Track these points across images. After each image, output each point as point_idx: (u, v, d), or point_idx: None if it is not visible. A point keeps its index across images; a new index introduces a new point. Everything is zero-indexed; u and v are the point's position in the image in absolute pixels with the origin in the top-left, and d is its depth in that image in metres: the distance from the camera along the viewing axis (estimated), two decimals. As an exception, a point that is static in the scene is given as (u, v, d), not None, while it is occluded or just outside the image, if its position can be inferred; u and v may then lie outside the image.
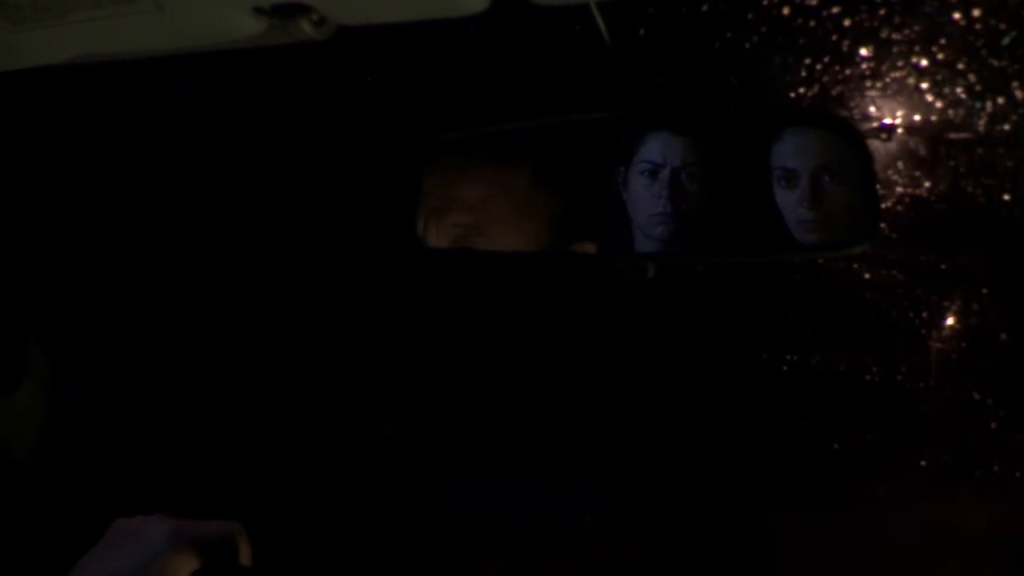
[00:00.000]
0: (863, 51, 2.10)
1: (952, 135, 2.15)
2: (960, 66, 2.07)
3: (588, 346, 2.46)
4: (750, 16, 2.07)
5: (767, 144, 1.02)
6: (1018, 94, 2.07)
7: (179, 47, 0.76)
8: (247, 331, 2.49)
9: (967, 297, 2.37)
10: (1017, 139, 2.14)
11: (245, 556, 0.77)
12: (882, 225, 2.15)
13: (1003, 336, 2.37)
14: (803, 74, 2.12)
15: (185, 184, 2.41)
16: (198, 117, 2.31)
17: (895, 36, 2.06)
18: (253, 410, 2.50)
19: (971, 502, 2.43)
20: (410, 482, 2.52)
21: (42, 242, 2.38)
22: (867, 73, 2.11)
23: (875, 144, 2.16)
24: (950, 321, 2.38)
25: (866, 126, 2.13)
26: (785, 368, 2.46)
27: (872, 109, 2.16)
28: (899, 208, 2.26)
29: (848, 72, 2.12)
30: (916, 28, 2.04)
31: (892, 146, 2.19)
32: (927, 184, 2.23)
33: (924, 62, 2.08)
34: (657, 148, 1.06)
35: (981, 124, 2.12)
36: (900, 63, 2.09)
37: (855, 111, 2.15)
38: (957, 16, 2.01)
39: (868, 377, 2.46)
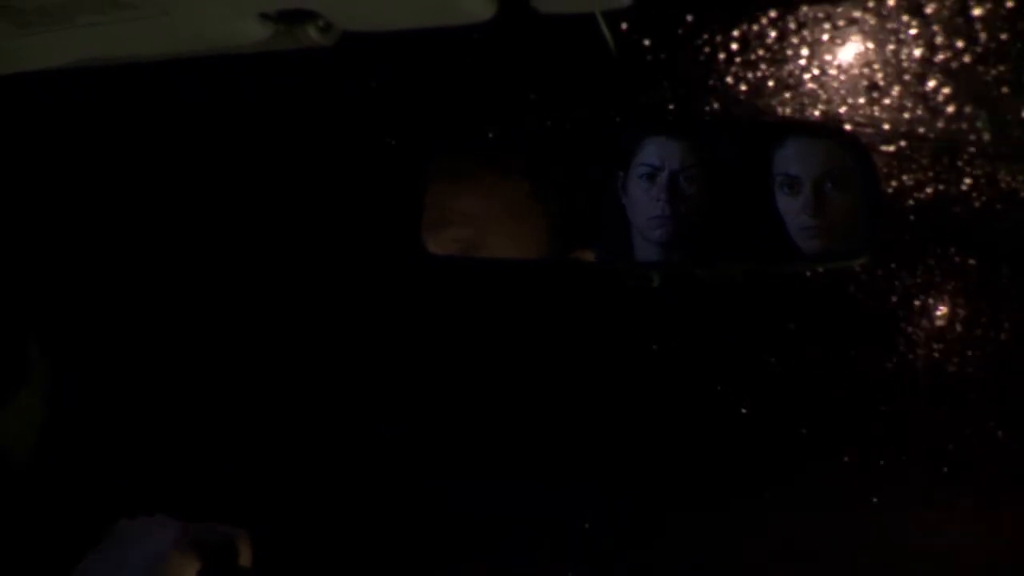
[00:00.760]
0: (864, 61, 2.10)
1: (953, 144, 2.16)
2: (960, 74, 2.07)
3: (588, 347, 2.46)
4: (755, 27, 2.07)
5: (770, 150, 1.03)
6: (1019, 102, 2.07)
7: (184, 52, 0.76)
8: (247, 332, 2.49)
9: (967, 303, 2.37)
10: (1019, 148, 2.14)
11: (246, 559, 0.77)
12: (883, 236, 2.15)
13: (1003, 337, 2.37)
14: (805, 85, 2.12)
15: (186, 185, 2.41)
16: (199, 118, 2.31)
17: (895, 46, 2.07)
18: (253, 410, 2.50)
19: (970, 505, 2.43)
20: (410, 482, 2.52)
21: (42, 243, 2.38)
22: (868, 84, 2.12)
23: (876, 155, 2.16)
24: (950, 325, 2.39)
25: (867, 136, 2.14)
26: (784, 369, 2.47)
27: (873, 119, 2.16)
28: (900, 216, 2.26)
29: (849, 83, 2.13)
30: (917, 36, 2.05)
31: (893, 157, 2.19)
32: (927, 193, 2.24)
33: (924, 72, 2.09)
34: (655, 151, 1.07)
35: (983, 133, 2.13)
36: (901, 73, 2.10)
37: (856, 122, 2.15)
38: (959, 24, 2.01)
39: (867, 377, 2.47)
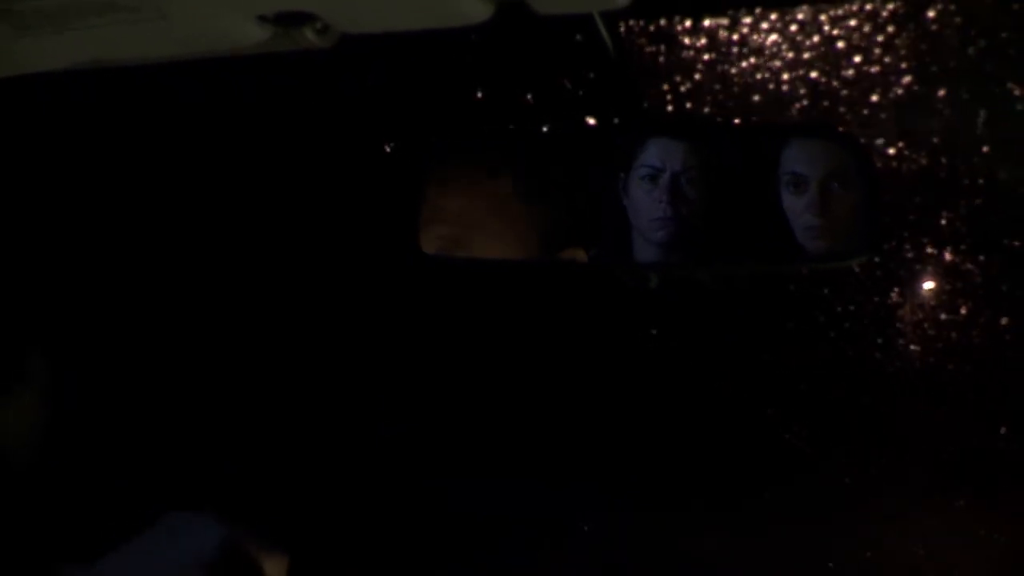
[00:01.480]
0: (862, 61, 2.10)
1: (951, 146, 2.16)
2: (959, 73, 2.07)
3: (587, 346, 2.46)
4: (755, 27, 2.07)
5: (777, 149, 1.03)
6: (1018, 104, 2.07)
7: (182, 54, 0.77)
8: (247, 331, 2.49)
9: (967, 302, 2.37)
10: (1017, 149, 2.15)
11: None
12: (885, 236, 2.15)
13: (1003, 337, 2.37)
14: (806, 87, 2.13)
15: (185, 185, 2.41)
16: (198, 118, 2.31)
17: (894, 48, 2.07)
18: (253, 410, 2.50)
19: (970, 505, 2.43)
20: (410, 482, 2.52)
21: (42, 243, 2.38)
22: (867, 85, 2.12)
23: (875, 156, 2.16)
24: (950, 325, 2.39)
25: (866, 137, 2.14)
26: (784, 369, 2.47)
27: (872, 120, 2.17)
28: (900, 216, 2.27)
29: (848, 84, 2.13)
30: (915, 39, 2.05)
31: (892, 158, 2.19)
32: (926, 193, 2.24)
33: (922, 72, 2.09)
34: (657, 153, 1.07)
35: (981, 134, 2.13)
36: (899, 74, 2.10)
37: (856, 122, 2.16)
38: (957, 25, 2.01)
39: (866, 377, 2.47)
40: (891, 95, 2.12)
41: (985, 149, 2.16)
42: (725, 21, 2.07)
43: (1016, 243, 2.30)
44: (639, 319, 2.41)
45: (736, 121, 2.08)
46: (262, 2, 0.69)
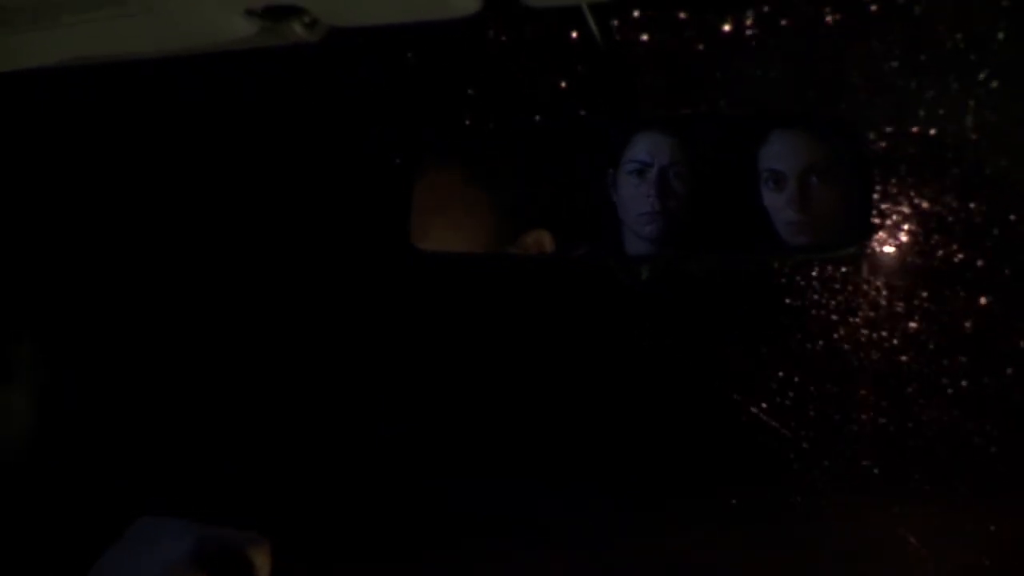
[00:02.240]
0: (854, 54, 2.10)
1: (942, 137, 2.15)
2: (949, 68, 2.07)
3: (586, 345, 2.46)
4: (745, 22, 2.07)
5: (755, 147, 1.02)
6: (1009, 99, 2.07)
7: (170, 49, 0.76)
8: (247, 331, 2.50)
9: (966, 302, 2.36)
10: (1008, 142, 2.14)
11: (263, 570, 0.77)
12: (873, 226, 2.15)
13: (1003, 337, 2.37)
14: (794, 77, 2.12)
15: (183, 183, 2.42)
16: (196, 116, 2.32)
17: (885, 39, 2.06)
18: (253, 410, 2.51)
19: (969, 505, 2.42)
20: (410, 482, 2.52)
21: (41, 241, 2.39)
22: (861, 81, 2.11)
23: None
24: (949, 324, 2.38)
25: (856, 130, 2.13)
26: (779, 366, 2.46)
27: (864, 115, 2.16)
28: (890, 211, 2.26)
29: (841, 79, 2.13)
30: (906, 31, 2.05)
31: (884, 153, 2.19)
32: (918, 188, 2.23)
33: (914, 65, 2.09)
34: (645, 148, 1.06)
35: (972, 127, 2.13)
36: (894, 71, 2.09)
37: (848, 118, 2.15)
38: (948, 18, 2.01)
39: (864, 376, 2.46)
40: (885, 90, 2.12)
41: (976, 143, 2.16)
42: (714, 14, 2.07)
43: (1016, 242, 2.29)
44: (636, 318, 2.41)
45: (725, 112, 2.08)
46: (249, -4, 0.69)
